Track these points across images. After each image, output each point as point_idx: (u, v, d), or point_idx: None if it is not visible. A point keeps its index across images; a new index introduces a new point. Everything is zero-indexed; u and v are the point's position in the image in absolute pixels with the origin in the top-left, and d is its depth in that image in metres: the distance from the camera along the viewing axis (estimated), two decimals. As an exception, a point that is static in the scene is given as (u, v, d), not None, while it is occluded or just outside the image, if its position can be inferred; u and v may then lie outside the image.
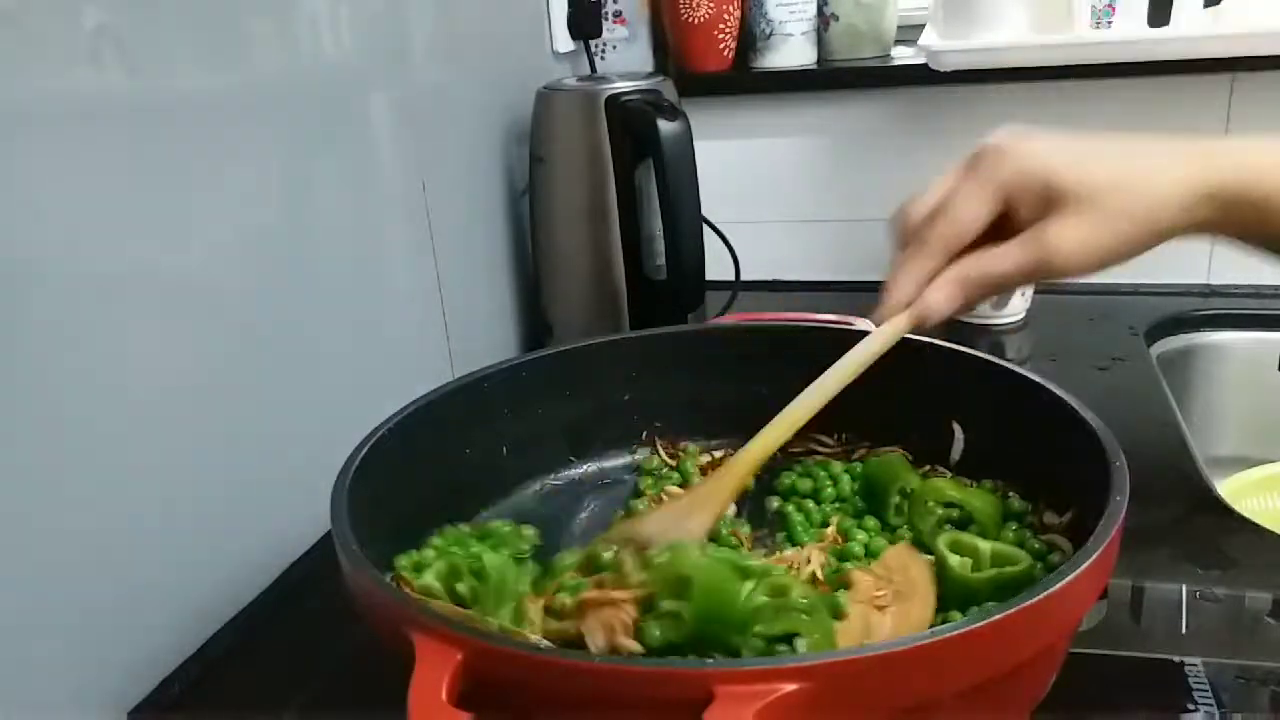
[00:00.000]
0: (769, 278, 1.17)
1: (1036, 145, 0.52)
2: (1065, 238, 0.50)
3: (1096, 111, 1.03)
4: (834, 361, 0.54)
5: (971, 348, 0.58)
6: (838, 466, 0.61)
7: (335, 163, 0.69)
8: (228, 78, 0.59)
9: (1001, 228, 0.52)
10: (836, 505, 0.58)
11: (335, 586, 0.43)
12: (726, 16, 1.14)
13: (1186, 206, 0.51)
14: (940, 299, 0.52)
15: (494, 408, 0.59)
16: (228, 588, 0.60)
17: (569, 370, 0.63)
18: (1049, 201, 0.51)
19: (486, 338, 0.91)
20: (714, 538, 0.53)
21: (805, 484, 0.59)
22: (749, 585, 0.40)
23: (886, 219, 0.57)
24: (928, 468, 0.59)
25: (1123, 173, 0.51)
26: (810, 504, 0.58)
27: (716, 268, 0.96)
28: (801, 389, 0.54)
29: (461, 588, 0.45)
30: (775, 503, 0.59)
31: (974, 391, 0.57)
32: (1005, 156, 0.52)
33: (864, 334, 0.54)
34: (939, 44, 1.00)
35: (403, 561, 0.47)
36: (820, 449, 0.63)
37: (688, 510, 0.51)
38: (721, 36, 1.14)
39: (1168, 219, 0.51)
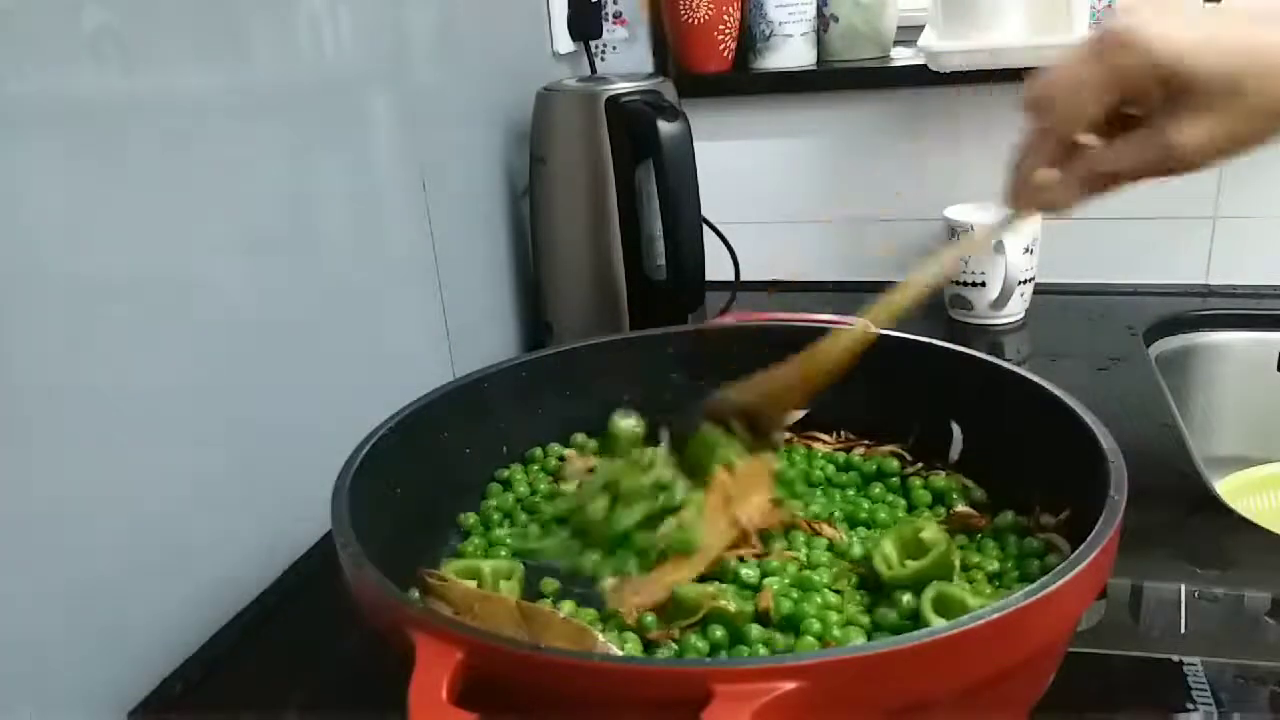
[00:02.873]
0: (769, 278, 1.17)
1: (1165, 28, 0.46)
2: (1188, 134, 0.46)
3: (1096, 112, 1.02)
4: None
5: (971, 348, 0.58)
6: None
7: (335, 163, 0.69)
8: (228, 78, 0.59)
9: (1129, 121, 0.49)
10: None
11: (335, 586, 0.43)
12: (726, 17, 1.14)
13: None
14: (1064, 194, 0.50)
15: (494, 408, 0.60)
16: (228, 588, 0.60)
17: (569, 370, 0.63)
18: (1173, 94, 0.46)
19: (486, 338, 0.91)
20: None
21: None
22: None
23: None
24: (920, 465, 0.60)
25: (1258, 54, 0.46)
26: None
27: (716, 268, 0.96)
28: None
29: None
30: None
31: (973, 391, 0.57)
32: (1129, 46, 0.47)
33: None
34: (938, 45, 1.00)
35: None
36: (818, 447, 0.63)
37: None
38: (721, 37, 1.15)
39: None
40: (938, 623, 0.43)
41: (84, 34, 0.49)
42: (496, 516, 0.58)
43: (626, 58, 1.16)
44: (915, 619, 0.46)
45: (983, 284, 0.98)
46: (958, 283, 1.00)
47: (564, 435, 0.64)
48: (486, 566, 0.50)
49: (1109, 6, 0.94)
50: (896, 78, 1.10)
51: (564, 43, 1.01)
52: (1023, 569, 0.49)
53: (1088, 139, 0.49)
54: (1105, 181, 0.49)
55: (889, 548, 0.49)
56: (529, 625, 0.41)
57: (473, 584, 0.48)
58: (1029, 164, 0.50)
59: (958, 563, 0.49)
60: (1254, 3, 0.49)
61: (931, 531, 0.49)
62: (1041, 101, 0.49)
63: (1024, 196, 0.51)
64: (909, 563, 0.48)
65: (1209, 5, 0.48)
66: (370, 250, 0.73)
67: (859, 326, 0.52)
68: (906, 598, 0.47)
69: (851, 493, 0.59)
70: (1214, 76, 0.46)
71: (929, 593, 0.46)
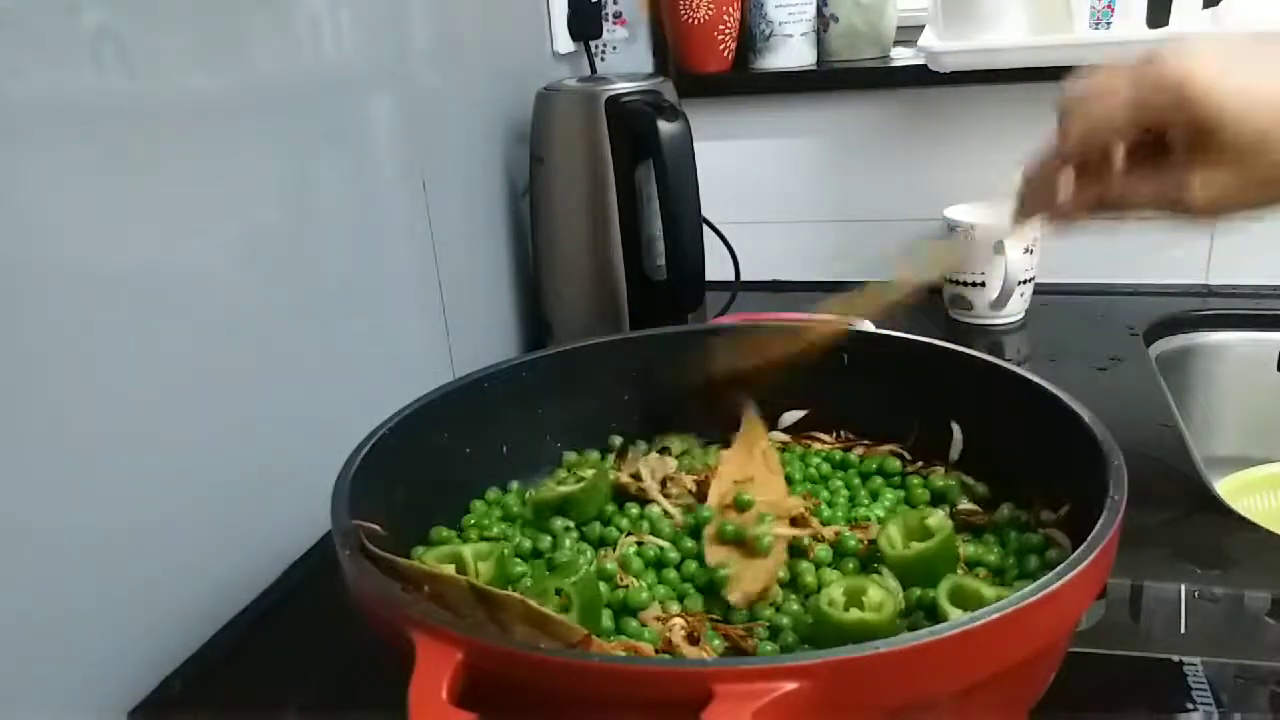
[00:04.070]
0: (769, 278, 1.18)
1: (1210, 72, 0.45)
2: (1205, 181, 0.46)
3: (1096, 112, 1.02)
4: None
5: (970, 348, 0.58)
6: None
7: (336, 163, 0.69)
8: (228, 78, 0.59)
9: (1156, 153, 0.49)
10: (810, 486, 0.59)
11: (335, 586, 0.43)
12: (726, 17, 1.14)
13: None
14: (1068, 211, 0.51)
15: (494, 408, 0.59)
16: (228, 588, 0.60)
17: (569, 370, 0.63)
18: (1199, 137, 0.46)
19: (486, 338, 0.91)
20: None
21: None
22: None
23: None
24: (920, 465, 0.60)
25: None
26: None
27: (716, 268, 0.96)
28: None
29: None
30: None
31: (973, 391, 0.57)
32: (1167, 79, 0.46)
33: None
34: (938, 45, 1.00)
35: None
36: (818, 447, 0.63)
37: None
38: (721, 37, 1.15)
39: None
40: (955, 614, 0.43)
41: (84, 34, 0.49)
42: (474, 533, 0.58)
43: (626, 58, 1.16)
44: (930, 610, 0.46)
45: (983, 284, 0.98)
46: (958, 283, 1.00)
47: (564, 435, 0.64)
48: (467, 550, 0.50)
49: (1109, 6, 0.94)
50: (896, 78, 1.10)
51: (564, 43, 1.01)
52: (1023, 565, 0.49)
53: (1111, 156, 0.49)
54: (1113, 207, 0.49)
55: (894, 531, 0.50)
56: (486, 608, 0.40)
57: (449, 567, 0.47)
58: (1047, 170, 0.50)
59: (961, 551, 0.49)
60: None
61: (936, 518, 0.49)
62: (1075, 103, 0.49)
63: (1035, 202, 0.51)
64: (914, 544, 0.48)
65: (1265, 49, 0.47)
66: (370, 250, 0.73)
67: (835, 322, 0.53)
68: (919, 591, 0.47)
69: (857, 483, 0.60)
70: (1243, 128, 0.44)
71: (945, 585, 0.46)
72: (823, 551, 0.52)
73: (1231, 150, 0.45)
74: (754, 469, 0.57)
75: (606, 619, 0.48)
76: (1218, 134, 0.45)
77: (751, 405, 0.61)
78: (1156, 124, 0.47)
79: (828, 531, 0.53)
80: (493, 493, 0.60)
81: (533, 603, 0.39)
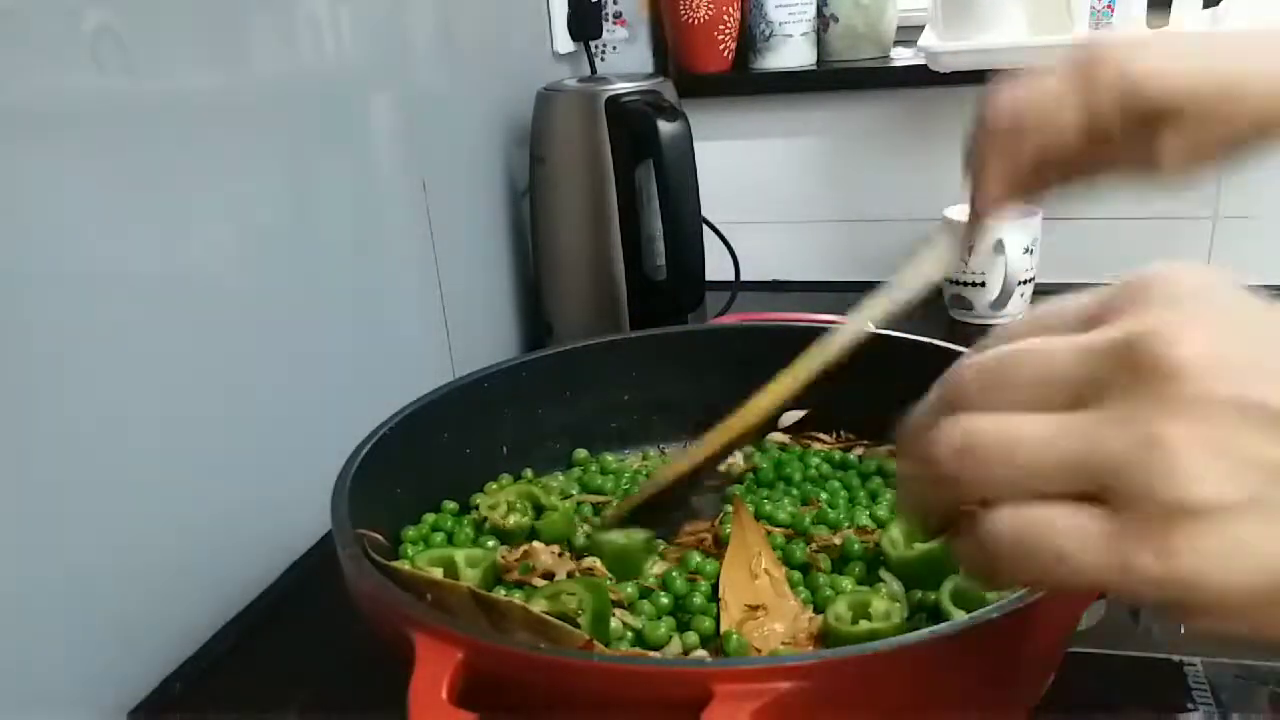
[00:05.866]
0: (769, 278, 1.17)
1: (1151, 58, 0.44)
2: (1174, 153, 0.44)
3: (1096, 112, 1.03)
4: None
5: (970, 347, 0.58)
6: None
7: (336, 163, 0.69)
8: (228, 79, 0.59)
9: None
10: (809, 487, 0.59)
11: (335, 586, 0.43)
12: (726, 17, 1.14)
13: None
14: (1033, 197, 0.47)
15: (494, 408, 0.60)
16: (228, 588, 0.60)
17: (569, 370, 0.63)
18: (1153, 117, 0.44)
19: (486, 338, 0.91)
20: None
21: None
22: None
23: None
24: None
25: (1240, 75, 0.44)
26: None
27: (716, 268, 0.96)
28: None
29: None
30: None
31: (973, 391, 0.57)
32: (1115, 72, 0.44)
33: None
34: (938, 45, 1.00)
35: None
36: (818, 447, 0.63)
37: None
38: (721, 37, 1.15)
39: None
40: (958, 615, 0.43)
41: (84, 34, 0.49)
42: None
43: (626, 58, 1.16)
44: (933, 612, 0.46)
45: (983, 284, 0.98)
46: (958, 283, 1.00)
47: (564, 435, 0.64)
48: (460, 555, 0.50)
49: (1109, 6, 0.94)
50: (896, 78, 1.10)
51: (564, 43, 1.01)
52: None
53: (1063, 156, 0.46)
54: (1076, 179, 0.47)
55: (896, 532, 0.50)
56: (487, 614, 0.41)
57: (437, 571, 0.48)
58: (997, 179, 0.47)
59: None
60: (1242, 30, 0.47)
61: None
62: (1016, 113, 0.46)
63: (986, 210, 0.47)
64: (917, 545, 0.48)
65: (1201, 34, 0.47)
66: (370, 250, 0.73)
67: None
68: (921, 593, 0.47)
69: (856, 483, 0.60)
70: (1192, 100, 0.44)
71: (948, 586, 0.46)
72: (825, 563, 0.51)
73: (1188, 117, 0.44)
74: (762, 594, 0.50)
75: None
76: (1176, 109, 0.44)
77: (743, 503, 0.54)
78: (1109, 118, 0.45)
79: (835, 538, 0.53)
80: (505, 478, 0.60)
81: (534, 609, 0.40)
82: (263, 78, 0.62)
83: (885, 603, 0.45)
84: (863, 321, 0.49)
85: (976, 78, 1.00)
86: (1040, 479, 0.26)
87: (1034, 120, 0.45)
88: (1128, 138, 0.45)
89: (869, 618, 0.45)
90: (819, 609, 0.49)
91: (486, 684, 0.35)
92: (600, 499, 0.58)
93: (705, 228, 0.88)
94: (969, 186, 0.48)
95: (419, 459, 0.54)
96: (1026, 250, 0.97)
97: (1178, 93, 0.44)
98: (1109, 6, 0.95)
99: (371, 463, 0.49)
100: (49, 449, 0.48)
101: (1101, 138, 0.45)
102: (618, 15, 1.12)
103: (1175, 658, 0.50)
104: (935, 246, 0.50)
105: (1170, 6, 0.92)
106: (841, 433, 0.64)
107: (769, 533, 0.54)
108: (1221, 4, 0.93)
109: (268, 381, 0.62)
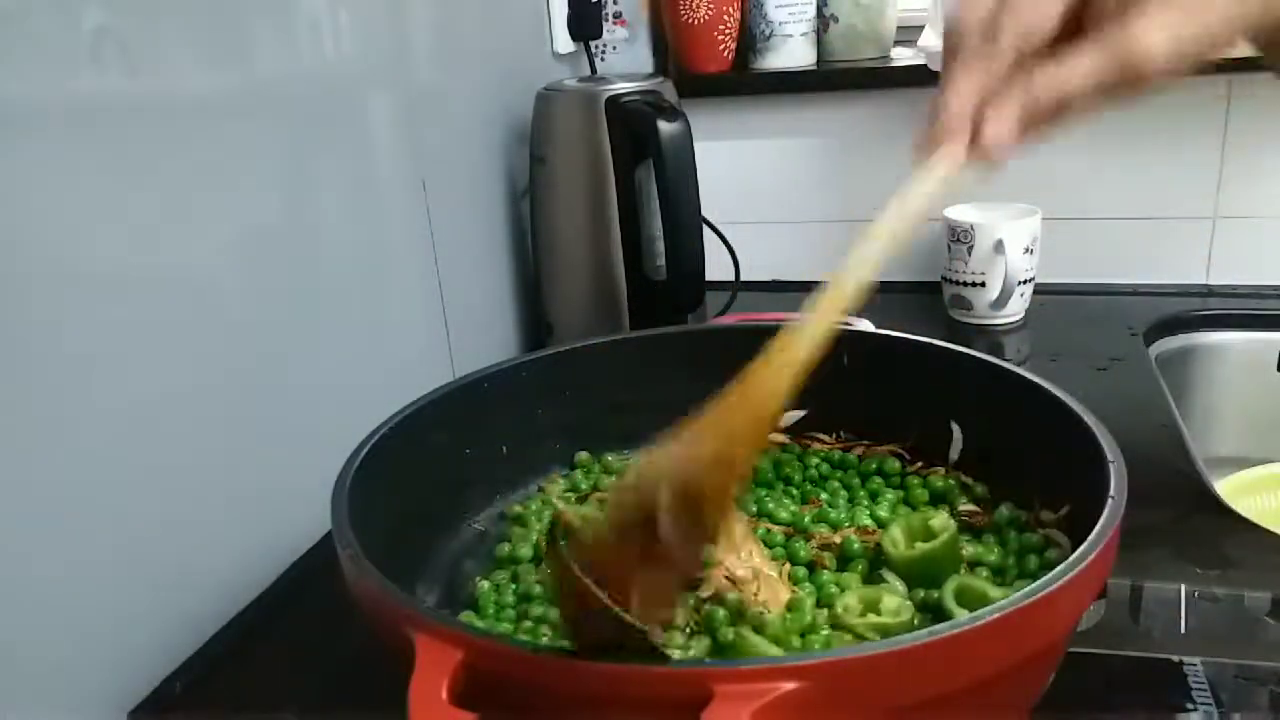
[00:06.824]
0: (769, 278, 1.18)
1: None
2: (1153, 32, 0.39)
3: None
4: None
5: (970, 348, 0.58)
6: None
7: (336, 163, 0.69)
8: (228, 78, 0.59)
9: (1074, 30, 0.41)
10: (810, 487, 0.59)
11: (335, 586, 0.43)
12: (726, 17, 1.14)
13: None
14: (1003, 131, 0.42)
15: (494, 408, 0.59)
16: (228, 588, 0.60)
17: (569, 370, 0.63)
18: None
19: (486, 338, 0.91)
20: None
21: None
22: None
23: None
24: (920, 465, 0.60)
25: None
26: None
27: (716, 268, 0.96)
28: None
29: None
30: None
31: (972, 391, 0.57)
32: None
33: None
34: (938, 45, 0.99)
35: None
36: (818, 447, 0.63)
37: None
38: (721, 37, 1.15)
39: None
40: (961, 614, 0.43)
41: (84, 34, 0.49)
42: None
43: (626, 58, 1.16)
44: (935, 610, 0.46)
45: (983, 284, 0.98)
46: (958, 282, 1.00)
47: (564, 435, 0.64)
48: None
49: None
50: (896, 78, 1.10)
51: (564, 43, 1.01)
52: (1023, 566, 0.49)
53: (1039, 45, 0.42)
54: (1051, 111, 0.41)
55: (897, 532, 0.50)
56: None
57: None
58: (967, 90, 0.43)
59: (964, 551, 0.49)
60: None
61: (940, 519, 0.49)
62: (985, 15, 0.42)
63: (956, 135, 0.43)
64: (918, 545, 0.48)
65: None
66: (370, 250, 0.73)
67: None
68: (924, 592, 0.47)
69: (856, 483, 0.60)
70: None
71: (950, 585, 0.46)
72: (830, 560, 0.52)
73: None
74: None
75: None
76: None
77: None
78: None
79: (835, 536, 0.53)
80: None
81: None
82: (263, 78, 0.62)
83: (896, 600, 0.45)
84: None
85: (976, 78, 1.01)
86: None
87: (1006, 11, 0.41)
88: (1111, 17, 0.40)
89: (878, 613, 0.45)
90: (823, 606, 0.49)
91: (486, 684, 0.35)
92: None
93: (705, 228, 0.88)
94: (937, 107, 0.44)
95: (419, 459, 0.54)
96: (1026, 250, 0.97)
97: None
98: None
99: (371, 462, 0.49)
100: (48, 449, 0.48)
101: (1076, 24, 0.41)
102: (618, 15, 1.12)
103: (1175, 658, 0.50)
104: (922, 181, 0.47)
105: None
106: (841, 433, 0.64)
107: (769, 530, 0.54)
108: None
109: (266, 381, 0.62)
